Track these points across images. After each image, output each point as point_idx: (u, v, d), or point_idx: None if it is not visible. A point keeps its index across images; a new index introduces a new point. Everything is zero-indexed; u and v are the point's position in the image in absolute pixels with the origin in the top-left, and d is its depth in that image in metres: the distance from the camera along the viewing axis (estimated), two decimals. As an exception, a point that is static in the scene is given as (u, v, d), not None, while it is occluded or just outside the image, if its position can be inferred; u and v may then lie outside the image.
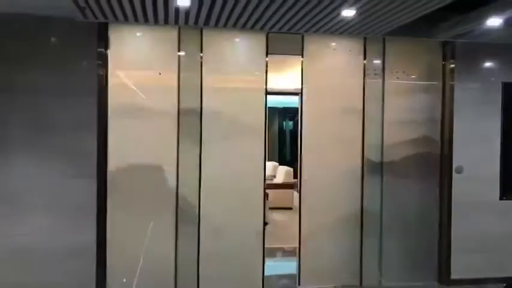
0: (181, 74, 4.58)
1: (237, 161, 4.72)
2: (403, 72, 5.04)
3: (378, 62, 4.98)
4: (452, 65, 5.04)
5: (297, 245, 5.14)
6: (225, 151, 4.69)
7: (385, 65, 4.98)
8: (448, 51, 5.04)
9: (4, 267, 4.30)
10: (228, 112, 4.69)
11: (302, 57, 4.92)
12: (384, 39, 4.91)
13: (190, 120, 4.62)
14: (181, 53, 4.62)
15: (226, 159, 4.69)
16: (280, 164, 11.26)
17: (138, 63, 4.57)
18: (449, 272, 5.02)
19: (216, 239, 4.68)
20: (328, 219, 4.96)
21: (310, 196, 5.02)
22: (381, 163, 4.99)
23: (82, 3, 3.78)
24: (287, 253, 6.73)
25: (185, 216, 4.63)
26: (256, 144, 4.78)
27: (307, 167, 5.02)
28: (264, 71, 4.79)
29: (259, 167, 4.79)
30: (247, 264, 4.81)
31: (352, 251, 4.95)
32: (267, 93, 4.85)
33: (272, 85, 13.25)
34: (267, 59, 4.75)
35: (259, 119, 4.81)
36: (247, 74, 4.79)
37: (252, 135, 4.76)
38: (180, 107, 4.60)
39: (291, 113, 14.21)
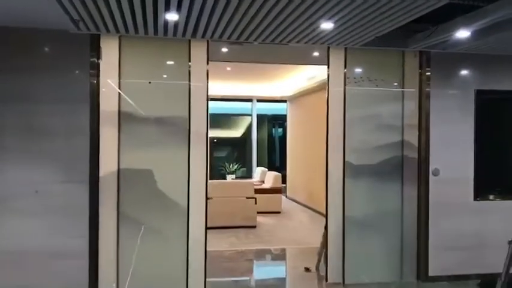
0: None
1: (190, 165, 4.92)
2: (382, 80, 5.32)
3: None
4: (428, 73, 5.32)
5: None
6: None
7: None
8: (424, 59, 5.32)
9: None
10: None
11: (328, 68, 5.18)
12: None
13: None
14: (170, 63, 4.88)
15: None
16: (269, 170, 11.48)
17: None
18: (427, 269, 5.27)
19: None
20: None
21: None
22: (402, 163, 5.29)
23: (76, 17, 4.01)
24: (275, 255, 6.94)
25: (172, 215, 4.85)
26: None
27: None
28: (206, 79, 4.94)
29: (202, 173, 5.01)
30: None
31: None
32: (210, 99, 4.94)
33: (261, 93, 13.41)
34: (208, 66, 4.92)
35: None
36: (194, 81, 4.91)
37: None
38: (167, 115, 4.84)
39: (280, 120, 14.49)
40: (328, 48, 5.12)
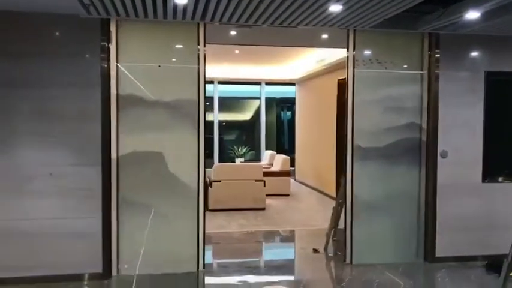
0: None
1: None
2: (391, 62, 5.30)
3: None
4: (438, 55, 5.29)
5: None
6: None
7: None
8: (434, 41, 5.29)
9: (13, 249, 4.58)
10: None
11: (348, 50, 5.19)
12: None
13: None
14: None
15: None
16: (277, 153, 11.56)
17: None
18: (434, 250, 5.32)
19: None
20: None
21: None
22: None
23: (86, 1, 4.04)
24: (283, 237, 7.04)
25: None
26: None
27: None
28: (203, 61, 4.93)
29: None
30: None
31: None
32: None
33: (270, 76, 13.43)
34: (204, 48, 4.92)
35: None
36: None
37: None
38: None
39: (289, 103, 14.48)
40: (348, 30, 5.11)
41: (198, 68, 4.90)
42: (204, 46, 4.91)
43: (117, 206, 4.81)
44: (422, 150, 5.37)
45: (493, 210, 5.43)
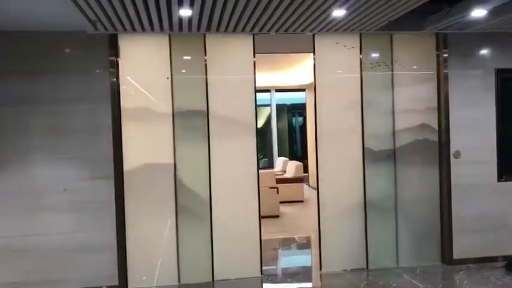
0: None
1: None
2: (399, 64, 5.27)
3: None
4: (446, 55, 5.25)
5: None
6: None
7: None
8: (441, 41, 5.25)
9: (29, 265, 4.64)
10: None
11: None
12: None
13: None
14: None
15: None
16: (290, 159, 11.52)
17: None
18: (451, 252, 5.24)
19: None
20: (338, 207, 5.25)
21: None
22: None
23: (93, 18, 4.11)
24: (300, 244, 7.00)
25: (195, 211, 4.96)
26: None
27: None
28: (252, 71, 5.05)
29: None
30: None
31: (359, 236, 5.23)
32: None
33: (279, 82, 13.36)
34: (254, 59, 5.01)
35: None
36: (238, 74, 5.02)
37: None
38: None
39: (300, 109, 14.45)
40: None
41: (206, 78, 4.94)
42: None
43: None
44: (435, 151, 5.31)
45: (510, 209, 5.33)
